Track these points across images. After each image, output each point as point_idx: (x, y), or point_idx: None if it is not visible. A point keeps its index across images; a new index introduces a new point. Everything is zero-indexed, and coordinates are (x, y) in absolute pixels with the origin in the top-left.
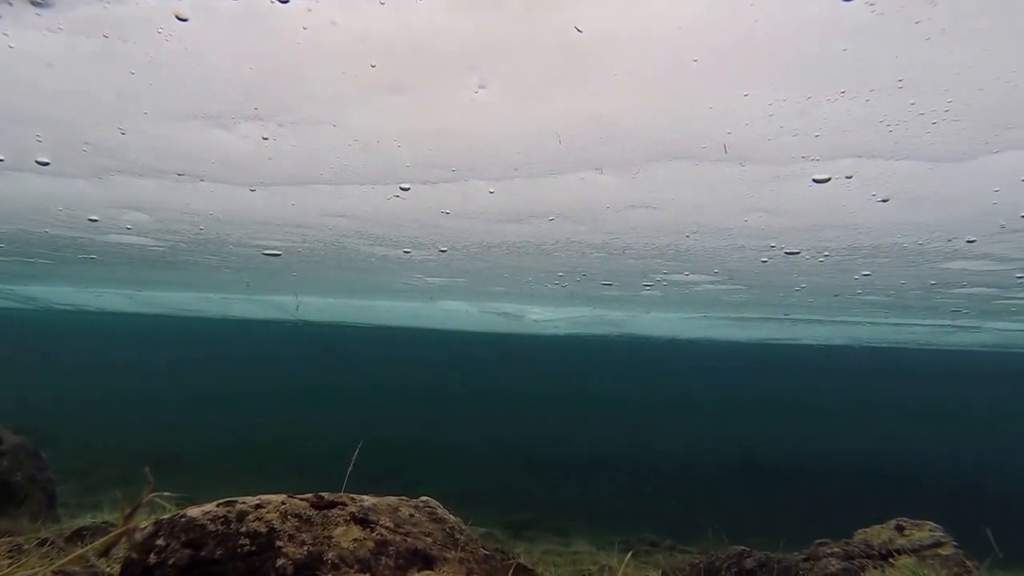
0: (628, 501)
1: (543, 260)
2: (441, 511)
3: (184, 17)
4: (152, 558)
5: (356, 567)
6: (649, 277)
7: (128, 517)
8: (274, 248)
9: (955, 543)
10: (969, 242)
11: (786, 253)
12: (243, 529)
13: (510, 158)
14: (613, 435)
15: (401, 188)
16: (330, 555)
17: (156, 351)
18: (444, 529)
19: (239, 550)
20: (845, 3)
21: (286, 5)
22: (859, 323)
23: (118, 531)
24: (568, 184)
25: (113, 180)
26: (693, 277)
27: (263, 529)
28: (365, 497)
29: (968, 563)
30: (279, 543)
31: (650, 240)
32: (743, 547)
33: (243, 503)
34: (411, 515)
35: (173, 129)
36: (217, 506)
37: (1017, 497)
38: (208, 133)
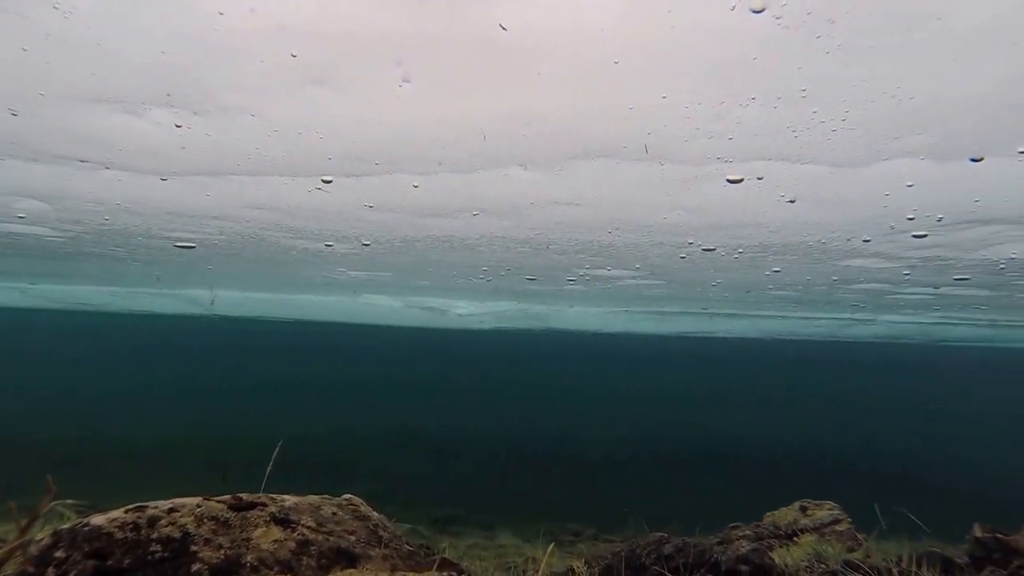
0: (554, 493)
1: (468, 255)
2: (364, 508)
3: None
4: (51, 572)
5: (276, 569)
6: (573, 272)
7: (24, 529)
8: (188, 240)
9: (850, 520)
10: (865, 241)
11: (703, 250)
12: (155, 535)
13: (435, 153)
14: (539, 428)
15: (323, 180)
16: (249, 558)
17: (53, 347)
18: (368, 527)
19: (150, 557)
20: (755, 15)
21: None
22: (770, 317)
23: (9, 545)
24: (493, 180)
25: (2, 164)
26: (615, 272)
27: (177, 534)
28: (286, 497)
29: (859, 536)
30: (194, 548)
31: (573, 236)
32: (662, 534)
33: (155, 508)
34: (334, 513)
35: (74, 112)
36: (125, 512)
37: (903, 477)
38: (114, 118)
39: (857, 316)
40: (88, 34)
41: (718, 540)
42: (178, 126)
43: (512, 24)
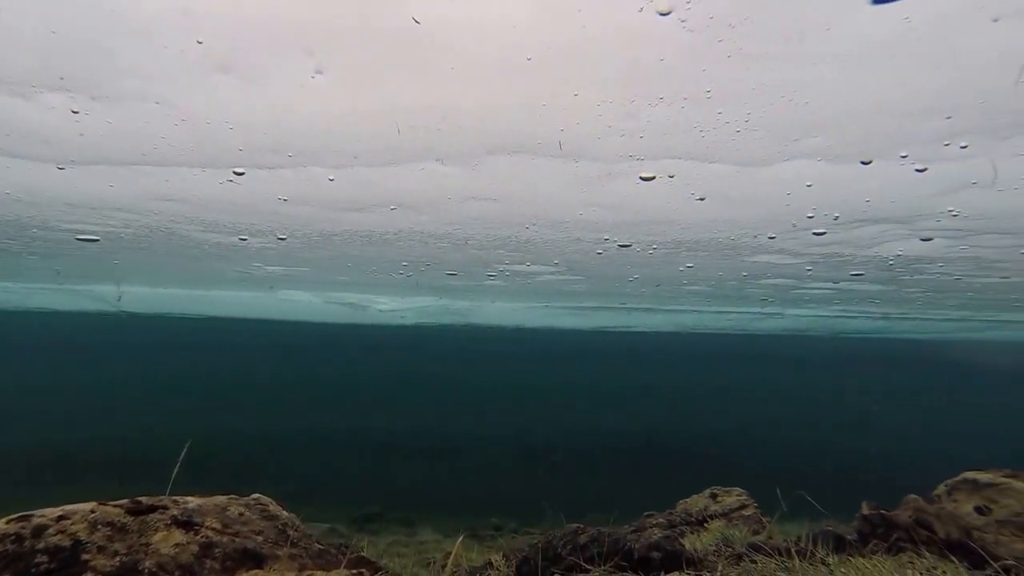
0: (477, 488)
1: (387, 249)
2: (274, 508)
3: None
4: None
5: (177, 573)
6: (492, 267)
7: None
8: (90, 233)
9: (756, 505)
10: (770, 238)
11: (619, 246)
12: (41, 545)
13: (350, 146)
14: (461, 424)
15: (235, 172)
16: (147, 564)
17: None
18: (276, 526)
19: (35, 569)
20: (662, 17)
21: None
22: (685, 311)
23: None
24: (409, 174)
25: None
26: (534, 268)
27: (66, 543)
28: (190, 498)
29: (764, 520)
30: (86, 556)
31: (492, 231)
32: (578, 525)
33: (42, 516)
34: (241, 514)
35: None
36: (7, 523)
37: (805, 462)
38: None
39: (767, 310)
40: None
41: (633, 529)
42: (75, 112)
43: (426, 17)
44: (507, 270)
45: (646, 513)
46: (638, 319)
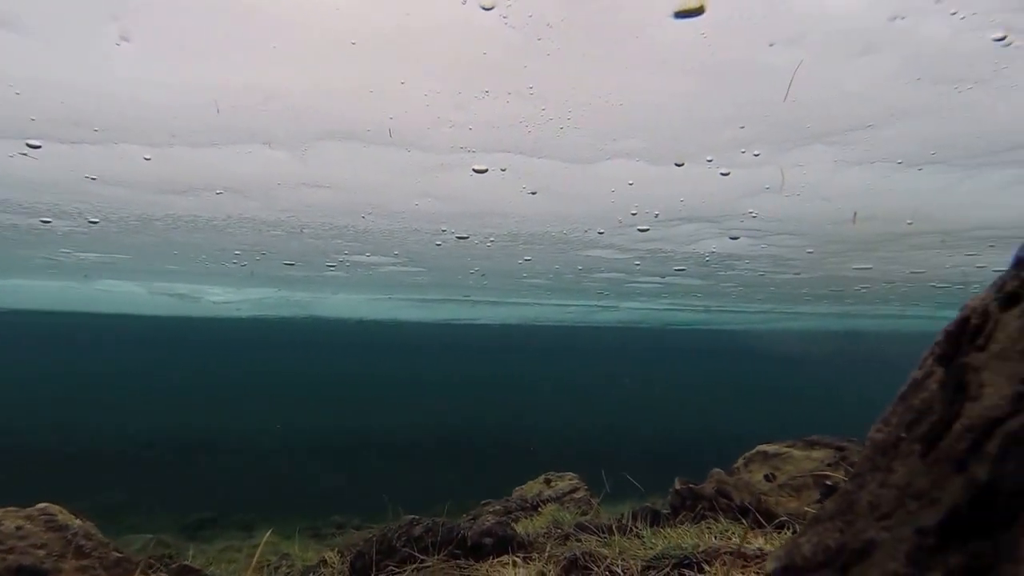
0: (319, 486)
1: (216, 237)
2: (63, 517)
3: None
4: None
5: None
6: (331, 258)
7: None
8: None
9: (586, 488)
10: (600, 233)
11: (457, 237)
12: None
13: (167, 123)
14: (300, 420)
15: (29, 145)
16: None
17: None
18: (64, 537)
19: None
20: (485, 12)
21: None
22: (528, 304)
23: None
24: (236, 156)
25: None
26: (375, 258)
27: None
28: None
29: (592, 501)
30: None
31: (327, 220)
32: (413, 516)
33: None
34: (19, 527)
35: None
36: None
37: (643, 446)
38: None
39: (602, 303)
40: None
41: (471, 517)
42: None
43: None
44: (347, 260)
45: (483, 501)
46: (483, 311)
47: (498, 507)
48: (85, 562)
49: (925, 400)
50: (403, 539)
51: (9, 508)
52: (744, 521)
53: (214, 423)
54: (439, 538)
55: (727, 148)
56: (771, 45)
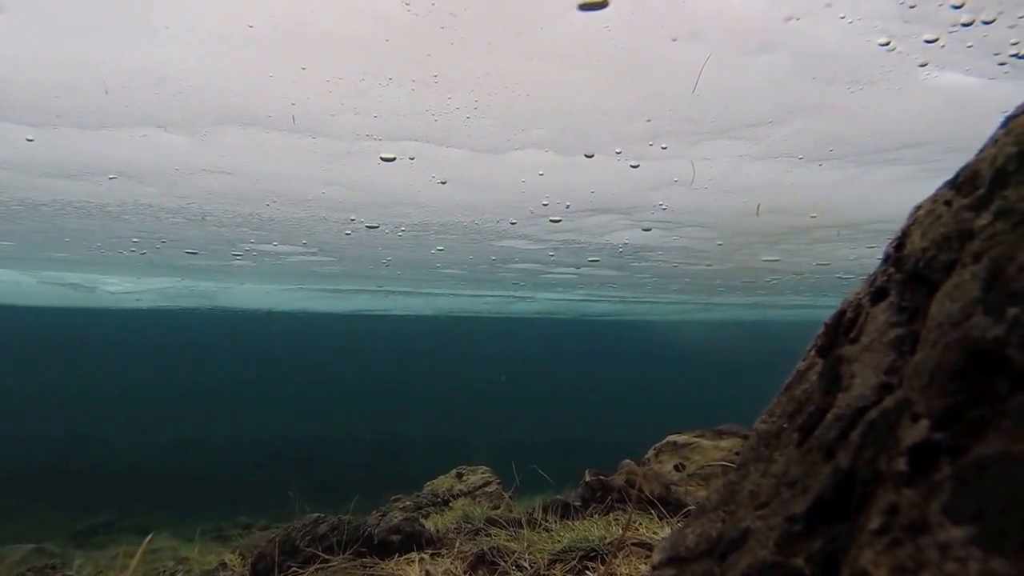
0: (226, 487)
1: (112, 224)
2: None
3: None
4: None
5: None
6: (237, 247)
7: None
8: None
9: (499, 481)
10: (512, 223)
11: (367, 227)
12: None
13: (49, 102)
14: (205, 416)
15: None
16: None
17: None
18: None
19: None
20: None
21: None
22: (443, 295)
23: None
24: (129, 139)
25: None
26: (283, 248)
27: None
28: None
29: (504, 494)
30: None
31: (230, 207)
32: (318, 515)
33: None
34: None
35: None
36: None
37: (553, 436)
38: None
39: (519, 294)
40: None
41: (380, 514)
42: None
43: None
44: (254, 249)
45: (393, 497)
46: (397, 302)
47: (408, 503)
48: None
49: (805, 391)
50: (307, 538)
51: None
52: (653, 512)
53: (108, 422)
54: (345, 536)
55: (635, 140)
56: (674, 40)
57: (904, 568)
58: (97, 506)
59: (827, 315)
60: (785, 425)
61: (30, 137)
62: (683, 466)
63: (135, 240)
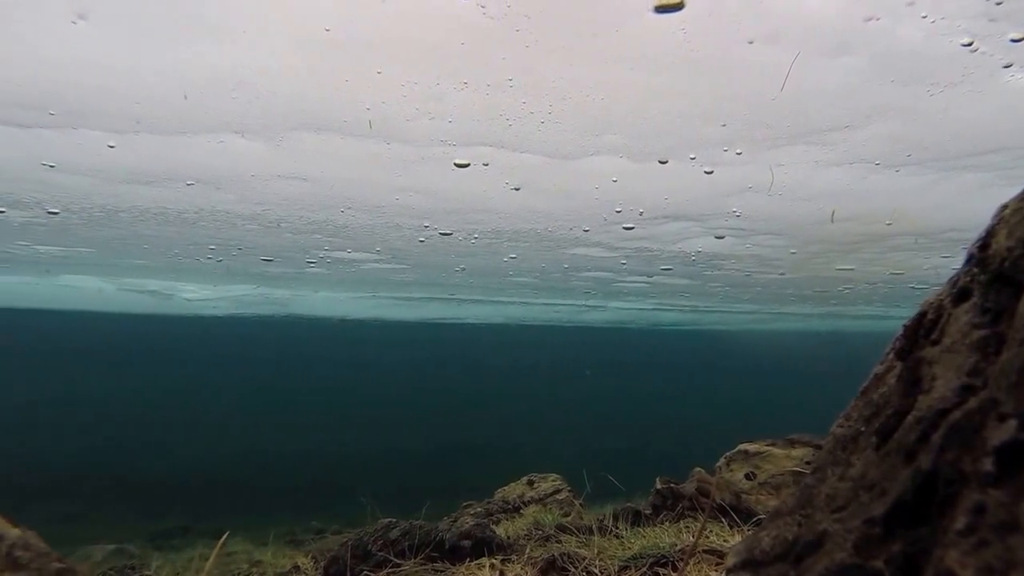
0: (300, 492)
1: (189, 230)
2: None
3: None
4: None
5: None
6: (312, 254)
7: None
8: None
9: (569, 489)
10: (585, 231)
11: (441, 234)
12: None
13: (130, 108)
14: (277, 423)
15: None
16: None
17: None
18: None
19: None
20: (462, 1)
21: None
22: (514, 303)
23: None
24: (206, 145)
25: None
26: (356, 255)
27: None
28: None
29: (575, 501)
30: None
31: (305, 214)
32: (391, 519)
33: None
34: None
35: None
36: None
37: (646, 444)
38: None
39: (590, 303)
40: None
41: (451, 520)
42: None
43: None
44: (328, 257)
45: (464, 504)
46: (468, 310)
47: (479, 509)
48: (21, 574)
49: (883, 394)
50: (379, 543)
51: None
52: (723, 520)
53: (180, 428)
54: (416, 541)
55: (710, 146)
56: (750, 42)
57: (992, 568)
58: (172, 510)
59: (898, 326)
60: (862, 429)
61: (112, 144)
62: (754, 475)
63: (212, 247)
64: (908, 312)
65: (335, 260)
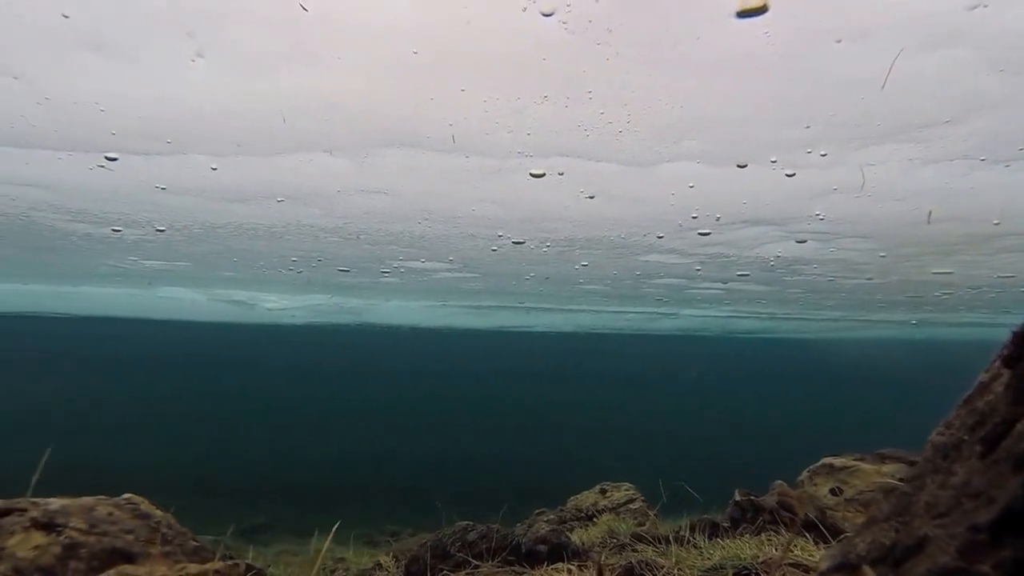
0: (375, 495)
1: (275, 244)
2: (146, 507)
3: None
4: None
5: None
6: (386, 264)
7: None
8: None
9: (643, 499)
10: (659, 237)
11: (513, 243)
12: None
13: (233, 134)
14: (350, 428)
15: (107, 158)
16: (1, 568)
17: None
18: (149, 525)
19: None
20: (544, 18)
21: None
22: (583, 311)
23: None
24: (297, 165)
25: None
26: (430, 264)
27: None
28: (52, 500)
29: (649, 512)
30: None
31: (384, 226)
32: (468, 522)
33: None
34: (110, 514)
35: None
36: None
37: (700, 455)
38: None
39: (662, 310)
40: None
41: (525, 525)
42: None
43: (313, 6)
44: (402, 266)
45: (537, 510)
46: (537, 319)
47: (552, 516)
48: (168, 548)
49: (989, 403)
50: (458, 544)
51: (99, 497)
52: (808, 535)
53: (262, 430)
54: (493, 544)
55: (792, 148)
56: (838, 41)
57: None
58: (255, 508)
59: (1006, 334)
60: (966, 437)
61: (214, 166)
62: (840, 490)
63: (294, 259)
64: (1017, 319)
65: (408, 270)
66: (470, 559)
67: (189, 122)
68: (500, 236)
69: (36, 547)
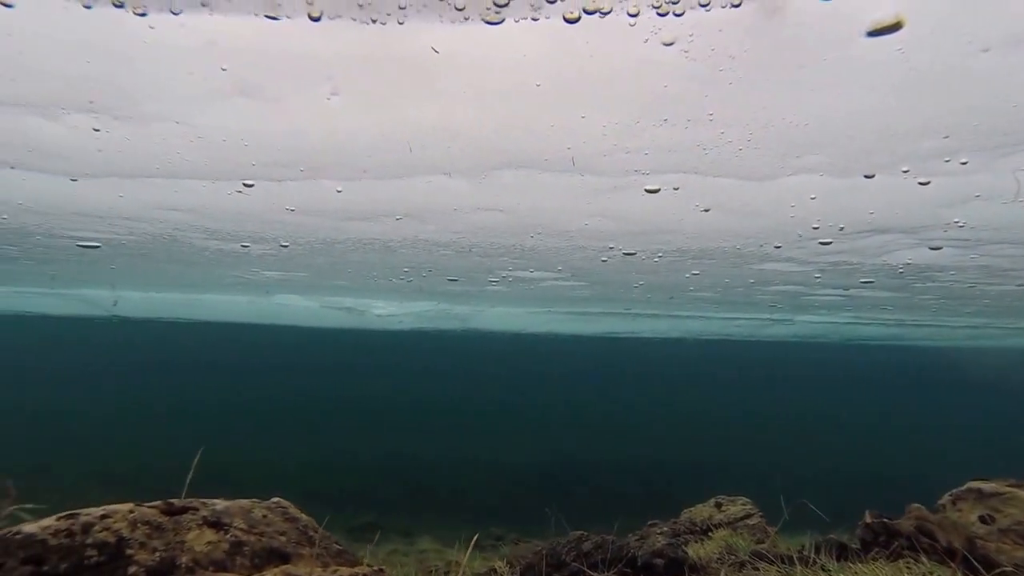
0: (475, 500)
1: (389, 256)
2: (293, 511)
3: (10, 3)
4: None
5: (211, 568)
6: (495, 273)
7: None
8: (93, 240)
9: (760, 514)
10: (776, 247)
11: (624, 254)
12: (90, 540)
13: (360, 161)
14: (457, 434)
15: (244, 184)
16: (184, 559)
17: None
18: (298, 527)
19: (87, 561)
20: (666, 48)
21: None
22: (692, 317)
23: None
24: (416, 186)
25: None
26: (537, 274)
27: (111, 539)
28: (217, 501)
29: (768, 529)
30: (130, 551)
31: (496, 240)
32: (582, 532)
33: (87, 515)
34: (264, 516)
35: None
36: (57, 520)
37: (805, 475)
38: (28, 120)
39: (775, 316)
40: (9, 41)
41: (638, 537)
42: (96, 130)
43: (443, 47)
44: (509, 276)
45: (650, 522)
46: (643, 324)
47: (665, 529)
48: (316, 550)
49: None
50: (572, 554)
51: (253, 499)
52: (952, 564)
53: (370, 433)
54: (608, 555)
55: (926, 158)
56: (985, 51)
57: None
58: (363, 508)
59: None
60: None
61: (339, 189)
62: (991, 519)
63: (405, 269)
64: None
65: (516, 279)
66: (585, 569)
67: (321, 152)
68: (611, 248)
69: (209, 543)
